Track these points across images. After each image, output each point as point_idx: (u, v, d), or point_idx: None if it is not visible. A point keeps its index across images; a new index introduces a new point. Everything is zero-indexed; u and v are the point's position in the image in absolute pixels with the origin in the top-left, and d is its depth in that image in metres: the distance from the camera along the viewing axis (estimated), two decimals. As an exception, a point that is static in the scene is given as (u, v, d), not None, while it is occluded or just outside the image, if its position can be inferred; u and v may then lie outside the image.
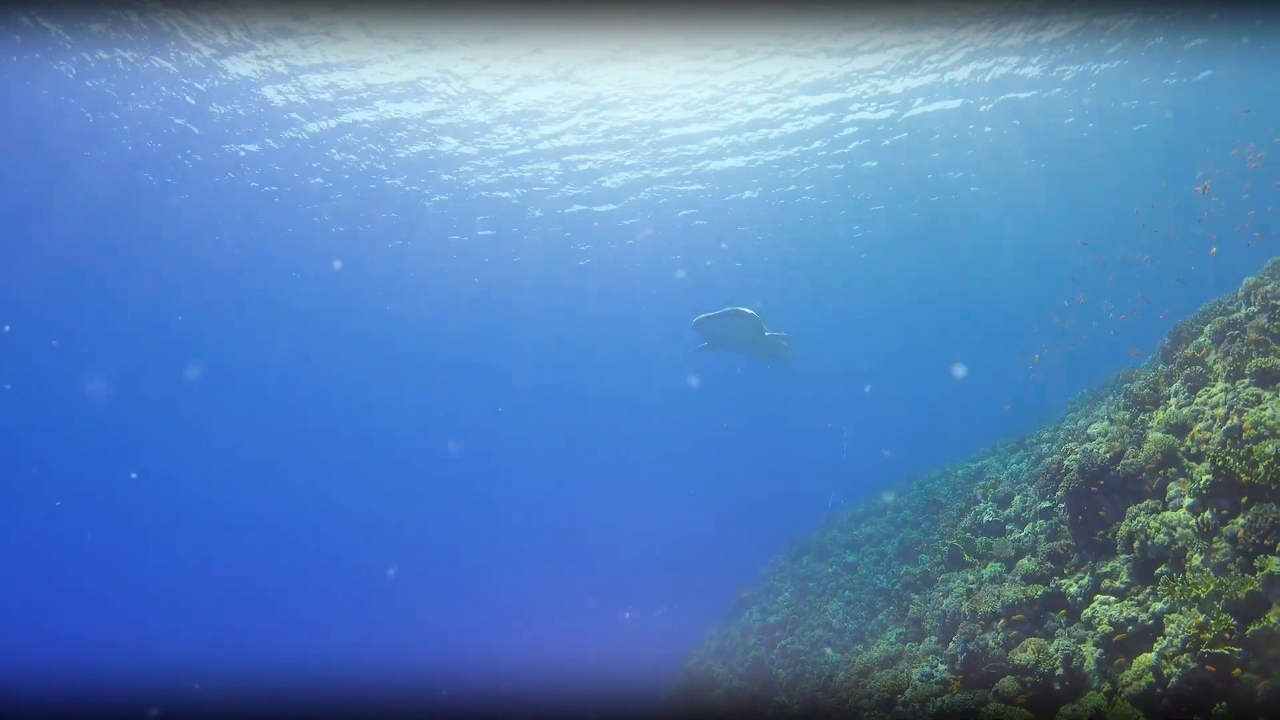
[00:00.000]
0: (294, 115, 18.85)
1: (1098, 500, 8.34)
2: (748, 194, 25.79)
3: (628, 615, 31.21)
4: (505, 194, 24.09)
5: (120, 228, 24.13)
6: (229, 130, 19.36)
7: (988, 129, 22.75)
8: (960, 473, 16.20)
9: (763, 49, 16.87)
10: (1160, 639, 6.59)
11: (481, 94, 18.21)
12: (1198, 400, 8.51)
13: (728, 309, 16.04)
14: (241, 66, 16.46)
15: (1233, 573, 6.50)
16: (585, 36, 15.28)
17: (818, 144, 22.86)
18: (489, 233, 26.87)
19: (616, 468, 62.04)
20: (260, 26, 14.72)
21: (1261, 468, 6.72)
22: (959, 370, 45.37)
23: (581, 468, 62.20)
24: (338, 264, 28.80)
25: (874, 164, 24.51)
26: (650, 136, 21.19)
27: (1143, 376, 10.00)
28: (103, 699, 28.71)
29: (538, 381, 49.15)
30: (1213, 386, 8.57)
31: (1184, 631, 6.36)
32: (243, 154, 20.63)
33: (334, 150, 20.77)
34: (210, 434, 48.48)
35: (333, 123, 19.34)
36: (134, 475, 46.39)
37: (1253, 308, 9.47)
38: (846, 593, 14.72)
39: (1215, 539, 6.81)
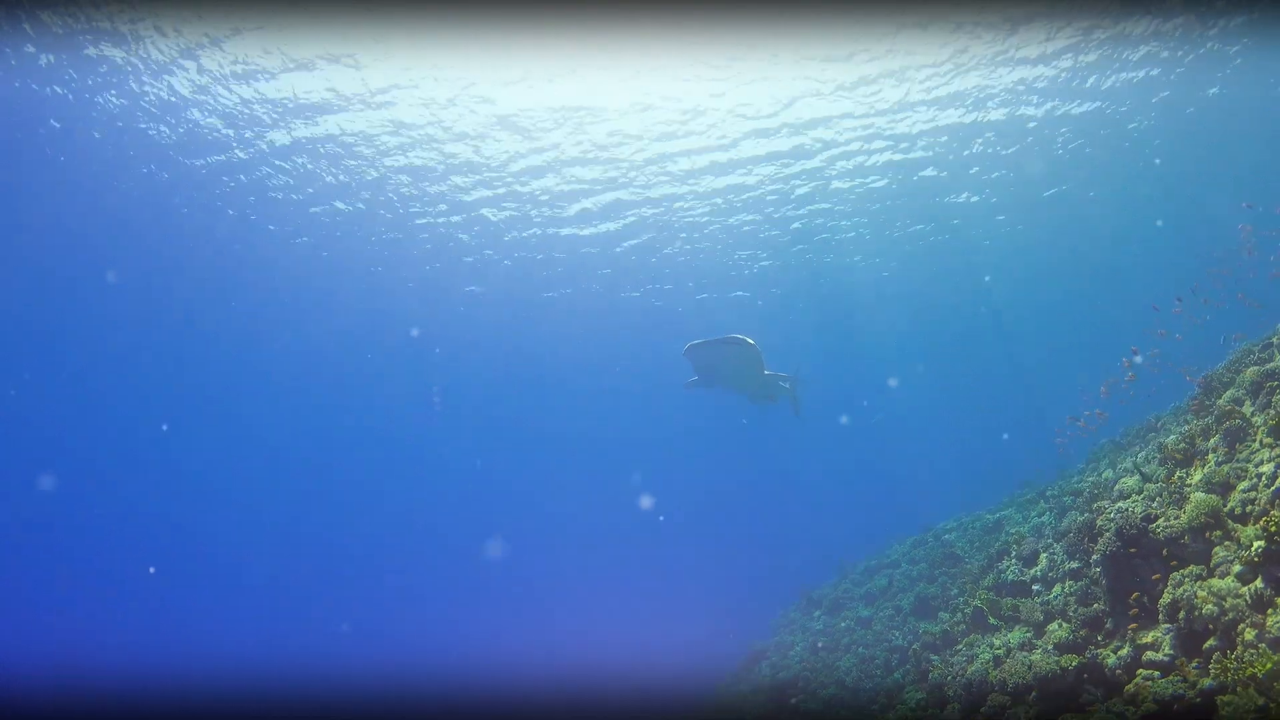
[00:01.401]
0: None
1: (1137, 565, 7.81)
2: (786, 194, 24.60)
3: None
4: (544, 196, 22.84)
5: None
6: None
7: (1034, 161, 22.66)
8: (977, 525, 15.61)
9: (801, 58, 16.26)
10: (1214, 722, 6.04)
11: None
12: (1239, 456, 8.02)
13: (723, 336, 14.13)
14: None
15: (1291, 650, 5.96)
16: (576, 44, 14.46)
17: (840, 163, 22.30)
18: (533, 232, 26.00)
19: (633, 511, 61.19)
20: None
21: (1318, 534, 6.23)
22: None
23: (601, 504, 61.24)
24: (415, 332, 28.95)
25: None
26: (642, 153, 20.29)
27: (1174, 430, 9.51)
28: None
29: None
30: (1254, 442, 8.08)
31: (1240, 715, 5.81)
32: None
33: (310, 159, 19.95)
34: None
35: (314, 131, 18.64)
36: (165, 427, 44.49)
37: (1291, 359, 9.02)
38: (860, 649, 14.03)
39: (1270, 612, 6.28)
